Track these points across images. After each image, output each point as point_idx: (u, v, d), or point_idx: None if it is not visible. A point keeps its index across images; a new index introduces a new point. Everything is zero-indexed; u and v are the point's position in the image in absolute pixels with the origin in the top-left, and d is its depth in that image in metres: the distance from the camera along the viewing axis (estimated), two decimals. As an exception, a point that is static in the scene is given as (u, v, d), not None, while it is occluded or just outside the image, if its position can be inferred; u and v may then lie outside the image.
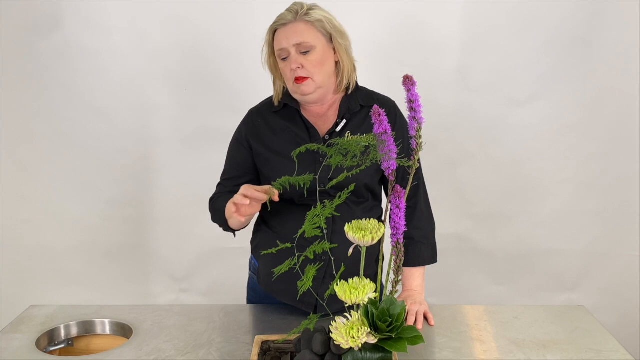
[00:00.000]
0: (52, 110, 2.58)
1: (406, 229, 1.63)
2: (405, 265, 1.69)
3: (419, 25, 2.52)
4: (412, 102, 1.09)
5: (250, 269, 1.81)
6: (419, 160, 1.66)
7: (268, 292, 1.68)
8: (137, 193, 2.68)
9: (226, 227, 1.66)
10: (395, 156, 1.10)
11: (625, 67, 2.52)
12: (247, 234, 1.77)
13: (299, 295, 1.26)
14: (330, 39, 1.57)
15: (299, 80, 1.54)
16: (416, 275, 1.70)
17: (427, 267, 1.72)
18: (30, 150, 2.61)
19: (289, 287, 1.59)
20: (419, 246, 1.67)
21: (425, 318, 1.62)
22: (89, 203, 2.66)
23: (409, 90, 1.09)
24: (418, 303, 1.63)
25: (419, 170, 1.68)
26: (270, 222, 1.67)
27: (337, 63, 1.60)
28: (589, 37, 2.49)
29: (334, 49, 1.58)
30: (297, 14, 1.54)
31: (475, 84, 2.58)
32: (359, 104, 1.62)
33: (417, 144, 1.10)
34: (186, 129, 2.63)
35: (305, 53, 1.53)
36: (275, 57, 1.60)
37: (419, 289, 1.69)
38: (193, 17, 2.50)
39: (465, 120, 2.61)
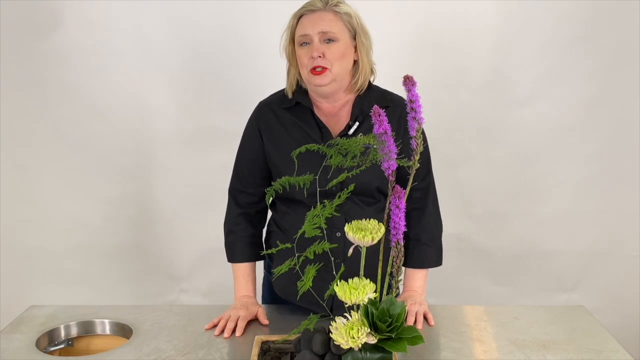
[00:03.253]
0: (52, 111, 2.58)
1: (413, 230, 1.65)
2: (409, 266, 1.69)
3: (419, 25, 2.52)
4: (412, 102, 1.09)
5: (264, 267, 1.80)
6: (429, 161, 1.67)
7: (282, 295, 1.67)
8: (137, 193, 2.68)
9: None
10: (395, 156, 1.10)
11: (625, 67, 2.52)
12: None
13: (299, 295, 1.26)
14: (354, 36, 1.56)
15: (315, 71, 1.52)
16: (418, 277, 1.69)
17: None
18: (30, 150, 2.61)
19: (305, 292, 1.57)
20: (424, 248, 1.67)
21: (425, 318, 1.61)
22: (89, 203, 2.66)
23: (409, 91, 1.09)
24: (418, 303, 1.63)
25: (429, 172, 1.68)
26: (281, 224, 1.66)
27: (354, 62, 1.59)
28: (589, 37, 2.49)
29: (355, 47, 1.57)
30: (327, 4, 1.53)
31: (475, 84, 2.57)
32: (372, 104, 1.60)
33: (417, 144, 1.10)
34: (186, 129, 2.62)
35: (328, 42, 1.51)
36: (294, 45, 1.58)
37: (419, 290, 1.69)
38: (193, 17, 2.50)
39: (465, 120, 2.61)
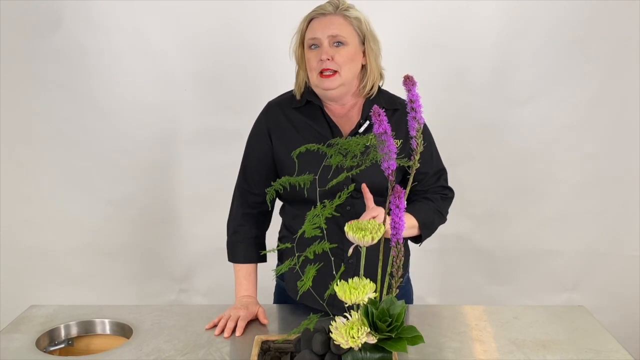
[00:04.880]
0: (52, 110, 2.58)
1: (432, 199, 1.62)
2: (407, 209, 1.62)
3: (419, 26, 2.53)
4: (412, 102, 1.09)
5: (276, 275, 1.78)
6: (440, 162, 1.67)
7: (296, 298, 1.66)
8: (137, 193, 2.68)
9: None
10: (395, 156, 1.10)
11: (625, 67, 2.52)
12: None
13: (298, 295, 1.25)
14: (363, 41, 1.56)
15: (324, 74, 1.52)
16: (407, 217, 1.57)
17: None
18: (30, 150, 2.61)
19: (319, 293, 1.56)
20: (430, 212, 1.60)
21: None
22: (89, 203, 2.66)
23: (409, 91, 1.09)
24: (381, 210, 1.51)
25: (444, 173, 1.69)
26: (292, 226, 1.66)
27: (362, 67, 1.59)
28: (589, 37, 2.49)
29: (363, 52, 1.57)
30: (337, 8, 1.54)
31: (475, 84, 2.57)
32: (382, 106, 1.60)
33: (417, 143, 1.11)
34: (186, 130, 2.63)
35: (338, 45, 1.52)
36: (303, 48, 1.59)
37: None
38: (193, 17, 2.50)
39: (465, 120, 2.61)
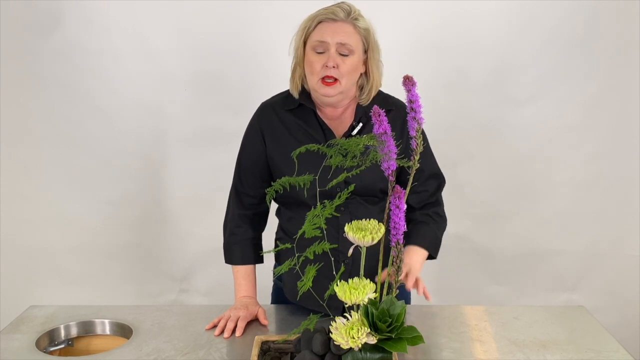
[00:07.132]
0: (52, 110, 2.58)
1: (422, 214, 1.63)
2: (411, 243, 1.62)
3: (419, 26, 2.53)
4: (412, 102, 1.09)
5: (274, 276, 1.79)
6: (433, 163, 1.67)
7: (294, 300, 1.65)
8: (137, 193, 2.68)
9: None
10: (395, 156, 1.10)
11: (625, 67, 2.52)
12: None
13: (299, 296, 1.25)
14: (366, 50, 1.56)
15: (327, 81, 1.51)
16: (418, 253, 1.61)
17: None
18: (31, 150, 2.61)
19: (317, 294, 1.56)
20: (430, 230, 1.62)
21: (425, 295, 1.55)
22: (89, 203, 2.66)
23: (409, 91, 1.09)
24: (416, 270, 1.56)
25: (439, 172, 1.68)
26: (288, 229, 1.66)
27: (361, 75, 1.58)
28: (589, 37, 2.50)
29: (364, 60, 1.56)
30: (349, 15, 1.52)
31: (475, 84, 2.58)
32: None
33: (417, 144, 1.11)
34: (186, 130, 2.63)
35: (344, 55, 1.51)
36: (304, 46, 1.56)
37: (417, 265, 1.61)
38: (193, 17, 2.50)
39: (465, 120, 2.61)
